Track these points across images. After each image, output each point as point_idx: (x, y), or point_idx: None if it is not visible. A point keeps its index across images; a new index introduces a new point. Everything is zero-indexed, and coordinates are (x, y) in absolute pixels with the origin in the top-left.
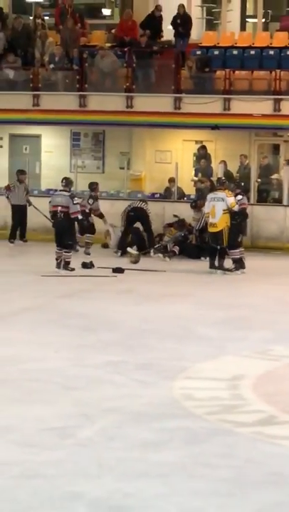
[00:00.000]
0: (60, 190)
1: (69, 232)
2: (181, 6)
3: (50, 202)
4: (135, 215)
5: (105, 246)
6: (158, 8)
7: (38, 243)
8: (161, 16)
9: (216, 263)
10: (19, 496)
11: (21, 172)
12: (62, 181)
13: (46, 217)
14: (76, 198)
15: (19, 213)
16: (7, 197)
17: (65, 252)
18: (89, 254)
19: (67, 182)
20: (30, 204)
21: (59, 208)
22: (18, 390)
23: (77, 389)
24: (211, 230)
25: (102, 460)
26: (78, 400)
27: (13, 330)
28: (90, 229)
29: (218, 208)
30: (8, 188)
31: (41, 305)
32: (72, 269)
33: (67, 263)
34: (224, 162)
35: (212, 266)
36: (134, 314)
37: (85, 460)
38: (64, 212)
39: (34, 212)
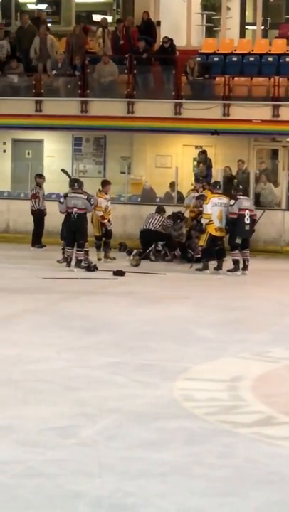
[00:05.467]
0: (73, 193)
1: (84, 231)
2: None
3: (62, 203)
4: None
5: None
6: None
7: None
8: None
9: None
10: (21, 495)
11: (39, 176)
12: (74, 184)
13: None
14: (92, 199)
15: (41, 218)
16: (34, 203)
17: (78, 250)
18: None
19: (79, 184)
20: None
21: (75, 210)
22: (21, 391)
23: (78, 389)
24: (218, 234)
25: (103, 459)
26: (80, 401)
27: (16, 331)
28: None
29: (224, 214)
30: (34, 196)
31: (44, 307)
32: (86, 266)
33: (80, 261)
34: (228, 167)
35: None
36: (135, 316)
37: (86, 459)
38: (79, 214)
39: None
